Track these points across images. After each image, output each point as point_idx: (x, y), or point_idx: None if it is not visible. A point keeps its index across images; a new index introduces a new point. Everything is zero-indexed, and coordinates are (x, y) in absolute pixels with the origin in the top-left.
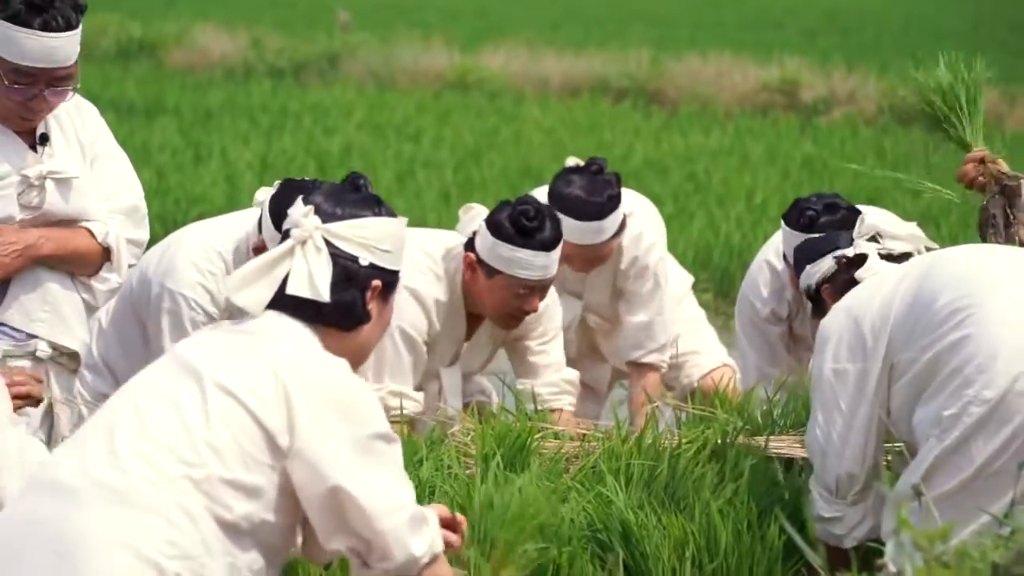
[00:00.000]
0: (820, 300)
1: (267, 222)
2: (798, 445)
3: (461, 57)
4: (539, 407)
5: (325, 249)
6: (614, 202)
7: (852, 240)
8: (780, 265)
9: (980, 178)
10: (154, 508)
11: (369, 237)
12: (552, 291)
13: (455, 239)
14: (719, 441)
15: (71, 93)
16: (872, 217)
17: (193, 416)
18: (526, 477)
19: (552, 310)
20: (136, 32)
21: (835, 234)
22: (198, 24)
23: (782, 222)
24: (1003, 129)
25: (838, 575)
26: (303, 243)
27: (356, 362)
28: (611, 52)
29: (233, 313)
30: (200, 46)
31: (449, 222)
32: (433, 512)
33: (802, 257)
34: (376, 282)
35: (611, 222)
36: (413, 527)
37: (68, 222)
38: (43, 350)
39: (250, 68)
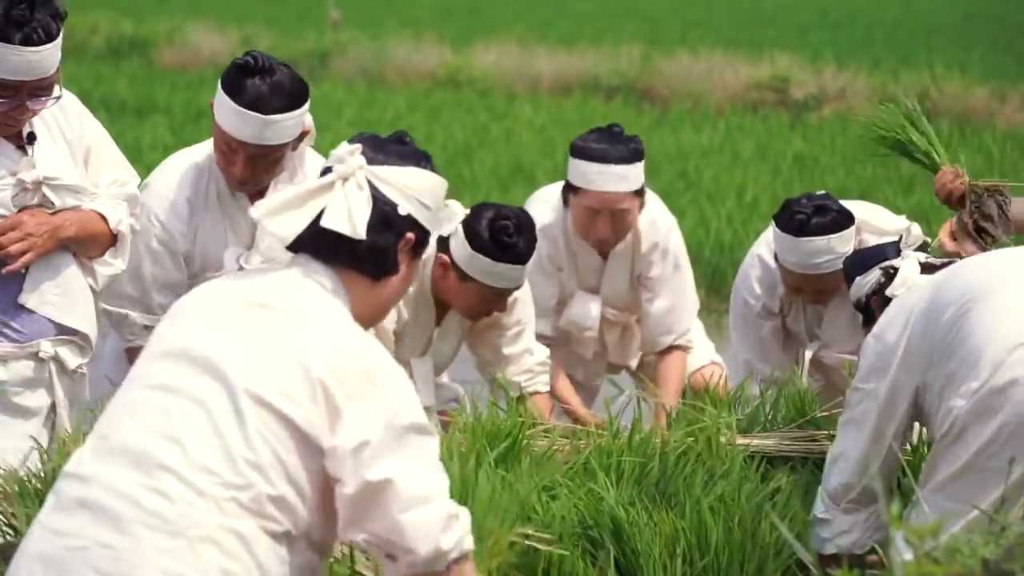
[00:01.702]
0: (870, 311)
1: (220, 93)
2: (789, 442)
3: (452, 55)
4: (515, 394)
5: (368, 189)
6: (638, 154)
7: (900, 251)
8: (772, 260)
9: (960, 185)
10: (206, 537)
11: (413, 187)
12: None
13: None
14: (709, 438)
15: (52, 101)
16: (916, 228)
17: (230, 432)
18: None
19: (524, 301)
20: (127, 30)
21: (884, 246)
22: (189, 22)
23: (772, 223)
24: (994, 126)
25: (829, 571)
26: (345, 180)
27: (374, 319)
28: (602, 50)
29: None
30: (191, 44)
31: None
32: (466, 511)
33: (852, 269)
34: (410, 235)
35: (634, 172)
36: (441, 521)
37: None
38: (45, 350)
39: None
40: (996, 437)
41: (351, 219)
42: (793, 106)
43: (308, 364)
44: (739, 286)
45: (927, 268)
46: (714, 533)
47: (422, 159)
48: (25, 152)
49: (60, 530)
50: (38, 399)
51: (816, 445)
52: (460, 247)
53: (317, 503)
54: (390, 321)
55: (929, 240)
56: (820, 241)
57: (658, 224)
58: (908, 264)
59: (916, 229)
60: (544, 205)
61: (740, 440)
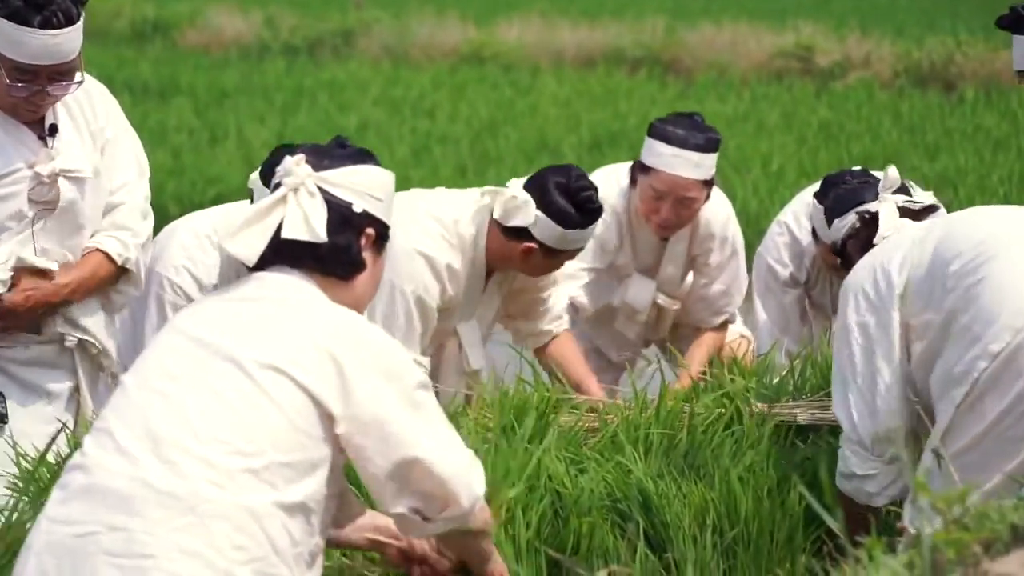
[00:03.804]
0: (847, 255)
1: (259, 190)
2: (816, 411)
3: (476, 31)
4: (539, 345)
5: (319, 194)
6: (714, 144)
7: (877, 194)
8: (799, 230)
9: None
10: (218, 513)
11: (361, 184)
12: None
13: (465, 202)
14: (737, 408)
15: (74, 86)
16: (893, 171)
17: (240, 402)
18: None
19: None
20: (150, 13)
21: (861, 188)
22: (212, 3)
23: (814, 201)
24: (1020, 91)
25: (858, 539)
26: (295, 190)
27: None
28: (626, 22)
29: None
30: (214, 26)
31: None
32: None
33: (829, 212)
34: (370, 230)
35: (708, 161)
36: (472, 468)
37: (78, 223)
38: (70, 340)
39: (264, 47)
40: (1013, 407)
41: (308, 225)
42: (818, 74)
43: (313, 336)
44: (763, 253)
45: (905, 212)
46: (743, 503)
47: (365, 157)
48: (46, 144)
49: (66, 519)
50: (60, 382)
51: None
52: (549, 230)
53: (327, 475)
54: (434, 297)
55: (908, 183)
56: None
57: (717, 212)
58: (886, 208)
59: (893, 172)
60: (610, 179)
61: (768, 410)
